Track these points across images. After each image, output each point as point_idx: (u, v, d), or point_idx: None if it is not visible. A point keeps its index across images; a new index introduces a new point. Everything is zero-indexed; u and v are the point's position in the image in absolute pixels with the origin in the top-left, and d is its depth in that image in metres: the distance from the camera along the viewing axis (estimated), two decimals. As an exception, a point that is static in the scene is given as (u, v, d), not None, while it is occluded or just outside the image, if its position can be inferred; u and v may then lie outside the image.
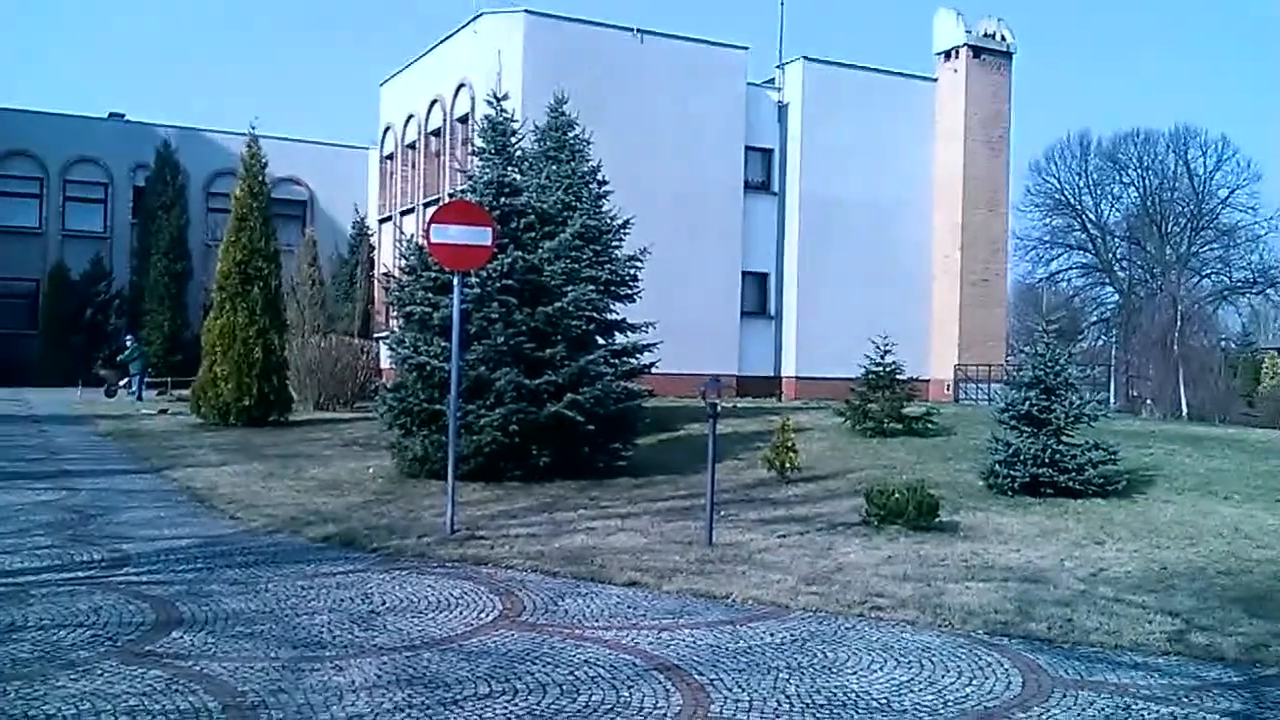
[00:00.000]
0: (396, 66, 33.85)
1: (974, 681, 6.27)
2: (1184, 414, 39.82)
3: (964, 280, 30.34)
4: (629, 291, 17.65)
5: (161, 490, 13.54)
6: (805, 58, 29.74)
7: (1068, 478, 13.21)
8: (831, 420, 19.51)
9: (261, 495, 12.90)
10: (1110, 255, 63.83)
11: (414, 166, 32.47)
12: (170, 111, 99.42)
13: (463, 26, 28.83)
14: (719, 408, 10.73)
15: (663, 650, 6.70)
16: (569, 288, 14.67)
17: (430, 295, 14.36)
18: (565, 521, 11.32)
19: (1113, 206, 64.20)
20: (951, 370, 29.99)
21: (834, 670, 6.41)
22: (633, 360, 16.33)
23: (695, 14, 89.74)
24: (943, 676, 6.35)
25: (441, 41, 30.48)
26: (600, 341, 15.96)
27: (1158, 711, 5.86)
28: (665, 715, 5.55)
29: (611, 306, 16.78)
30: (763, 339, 29.50)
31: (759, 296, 29.80)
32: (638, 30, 27.50)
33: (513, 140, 15.67)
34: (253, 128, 21.76)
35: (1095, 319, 62.79)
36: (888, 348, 18.92)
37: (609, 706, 5.63)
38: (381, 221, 34.71)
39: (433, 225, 10.93)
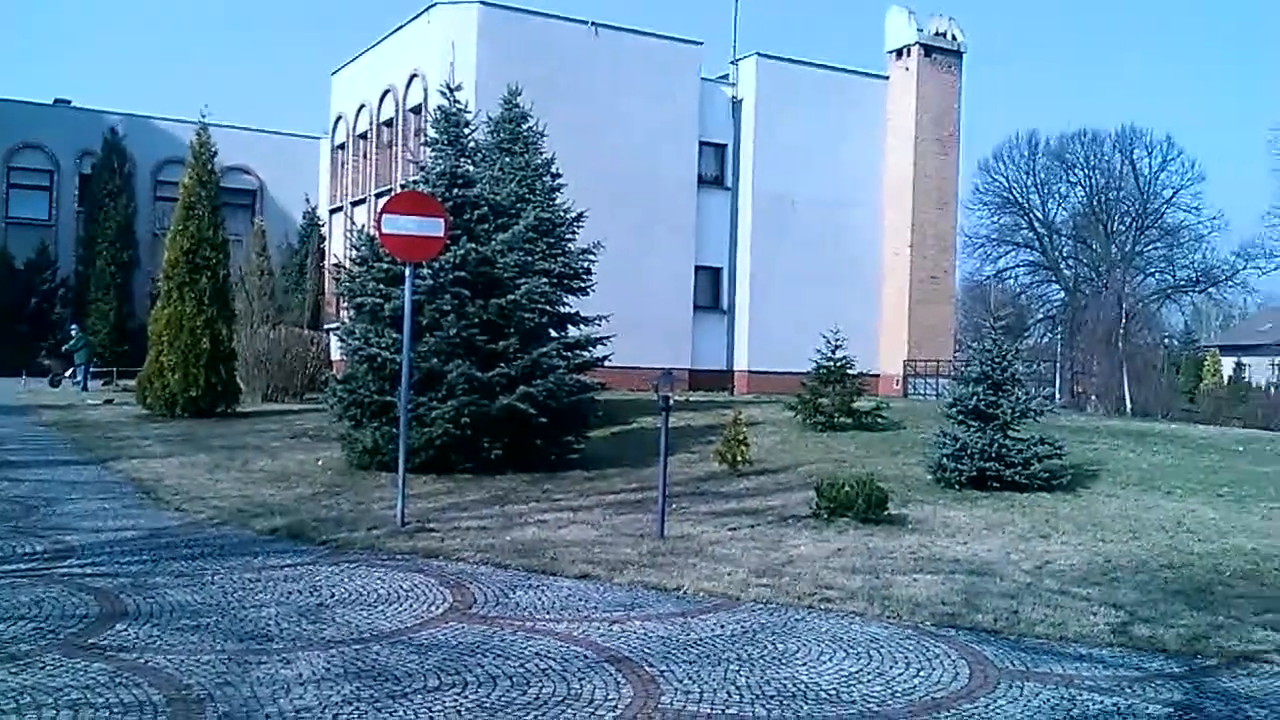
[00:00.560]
0: (349, 56, 33.51)
1: (922, 672, 6.34)
2: (1128, 410, 40.46)
3: (914, 276, 30.63)
4: (582, 285, 17.68)
5: (106, 482, 13.33)
6: (759, 54, 29.84)
7: (1014, 472, 13.41)
8: (783, 414, 19.63)
9: (208, 487, 12.73)
10: (1057, 253, 64.77)
11: (366, 157, 32.17)
12: (119, 99, 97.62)
13: (416, 16, 28.59)
14: (671, 401, 10.75)
15: (614, 642, 6.71)
16: (522, 280, 14.63)
17: (381, 286, 14.25)
18: (517, 514, 11.29)
19: (1060, 205, 65.28)
20: (901, 365, 30.28)
21: (784, 661, 6.45)
22: (586, 353, 16.33)
23: (650, 9, 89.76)
24: (891, 667, 6.41)
25: (394, 31, 30.21)
26: (553, 334, 15.94)
27: (1102, 702, 5.96)
28: (616, 707, 5.56)
29: (565, 299, 16.78)
30: (715, 333, 29.60)
31: (712, 291, 29.88)
32: (593, 24, 27.45)
33: (466, 131, 15.58)
34: (202, 116, 21.48)
35: (1042, 316, 63.66)
36: (839, 343, 19.09)
37: (559, 698, 5.63)
38: (332, 212, 34.37)
39: (384, 215, 10.85)
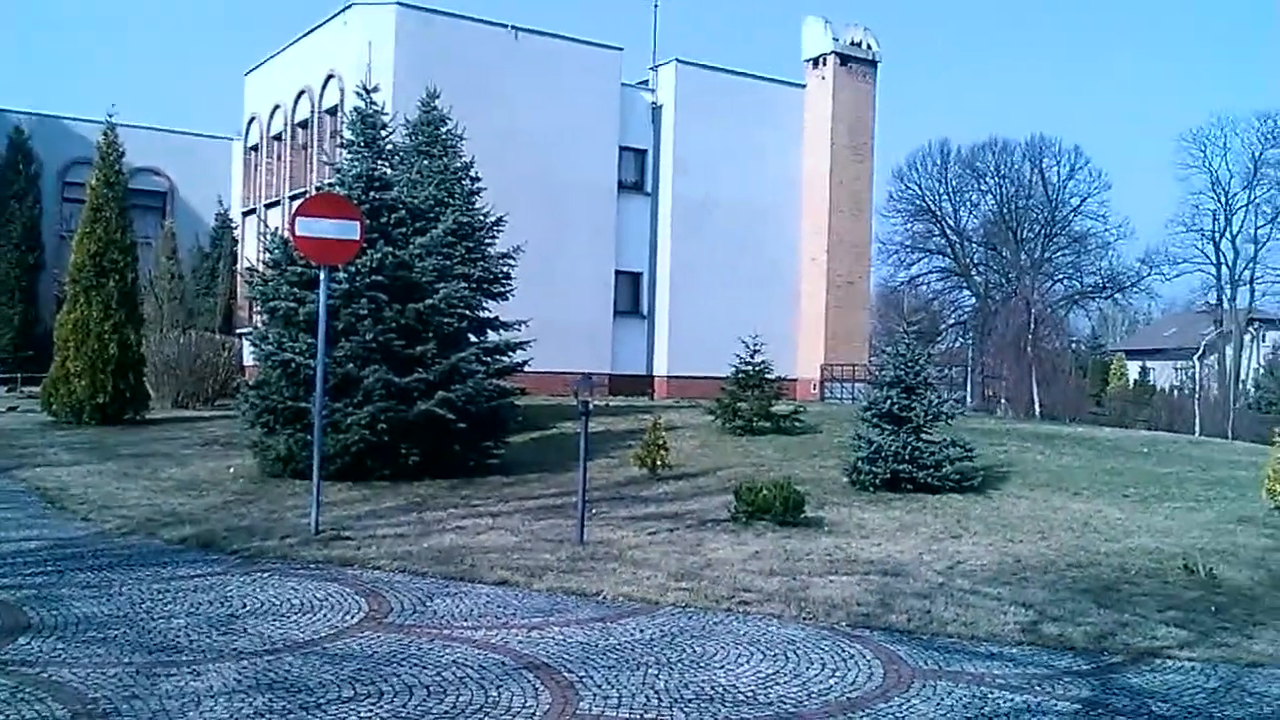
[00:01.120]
0: (263, 55, 32.94)
1: (837, 673, 6.43)
2: (1036, 413, 41.46)
3: (830, 282, 31.02)
4: (502, 289, 17.61)
5: (9, 491, 12.91)
6: (678, 60, 29.99)
7: (927, 474, 13.66)
8: (702, 418, 19.75)
9: (116, 496, 12.40)
10: (968, 260, 66.06)
11: (280, 158, 31.62)
12: (24, 97, 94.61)
13: (332, 17, 28.19)
14: (591, 406, 10.76)
15: (532, 649, 6.69)
16: (441, 284, 14.52)
17: (296, 290, 14.03)
18: (435, 521, 11.19)
19: (971, 213, 66.56)
20: (818, 370, 30.64)
21: (702, 664, 6.49)
22: (505, 358, 16.26)
23: (570, 13, 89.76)
24: (807, 668, 6.49)
25: (310, 31, 29.75)
26: (472, 339, 15.86)
27: (1012, 700, 6.10)
28: (534, 714, 5.54)
29: (484, 304, 16.71)
30: (635, 338, 29.66)
31: (632, 296, 29.94)
32: (512, 27, 27.33)
33: (383, 134, 15.42)
34: (110, 116, 20.91)
35: (953, 321, 64.91)
36: (757, 347, 19.26)
37: (477, 707, 5.60)
38: (245, 214, 33.74)
39: (299, 218, 10.68)
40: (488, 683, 5.97)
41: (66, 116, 37.83)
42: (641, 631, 7.21)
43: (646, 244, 29.94)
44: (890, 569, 9.40)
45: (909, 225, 65.19)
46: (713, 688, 6.06)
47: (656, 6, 32.53)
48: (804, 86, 31.79)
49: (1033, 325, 48.73)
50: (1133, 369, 57.02)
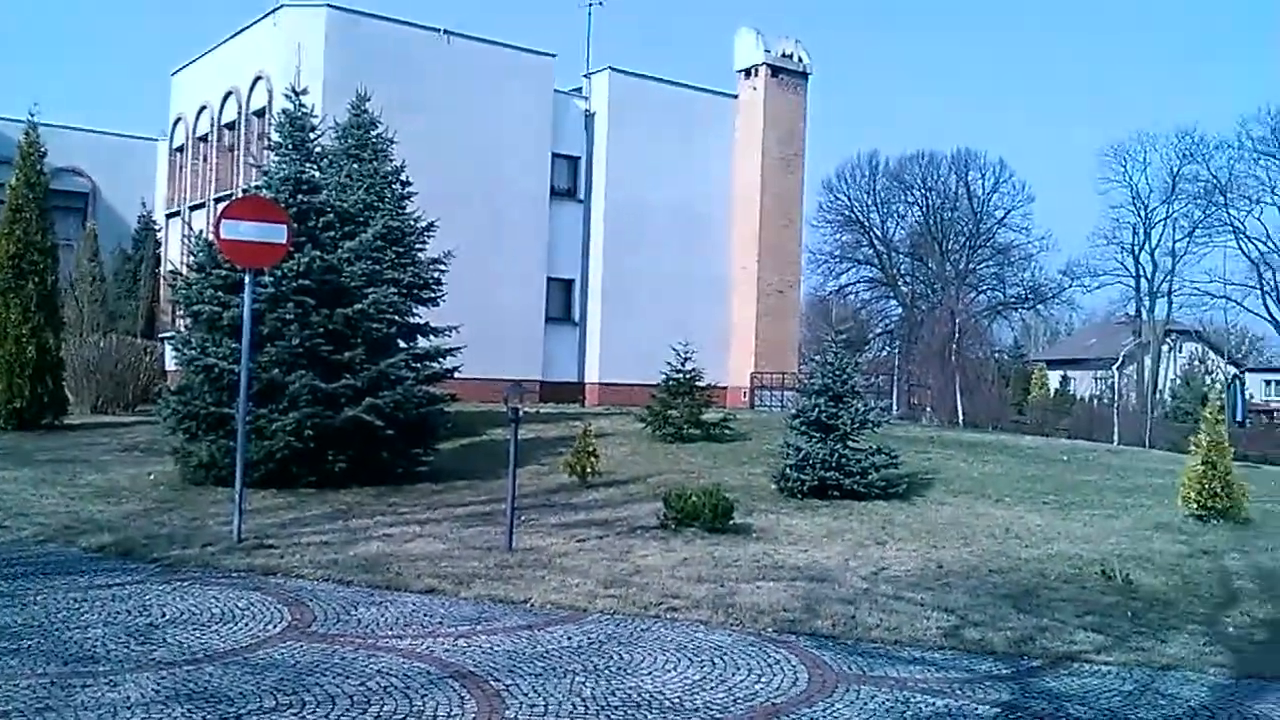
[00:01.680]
0: (190, 55, 32.34)
1: (763, 678, 6.48)
2: (960, 421, 42.15)
3: (761, 291, 31.28)
4: (432, 295, 17.46)
5: (-85, 499, 12.50)
6: (612, 68, 30.06)
7: (853, 481, 13.83)
8: (633, 426, 19.79)
9: (32, 503, 12.07)
10: (895, 270, 67.05)
11: (206, 160, 31.06)
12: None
13: (262, 17, 27.78)
14: (521, 413, 10.73)
15: (459, 657, 6.65)
16: (370, 289, 14.38)
17: (220, 294, 13.80)
18: (361, 528, 11.07)
19: (898, 224, 67.61)
20: (748, 377, 30.86)
21: (630, 671, 6.51)
22: (435, 364, 16.14)
23: (504, 19, 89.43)
24: (734, 674, 6.54)
25: (239, 32, 29.28)
26: (402, 345, 15.72)
27: (934, 704, 6.20)
28: (460, 722, 5.51)
29: (414, 309, 16.56)
30: (567, 345, 29.63)
31: (564, 303, 29.91)
32: (445, 31, 27.18)
33: (312, 136, 15.25)
34: (31, 115, 20.40)
35: (880, 330, 65.75)
36: (688, 355, 19.37)
37: (401, 716, 5.55)
38: (170, 216, 33.09)
39: (224, 221, 10.52)
40: (413, 692, 5.92)
41: (-17, 115, 36.81)
42: (569, 639, 7.20)
43: (579, 251, 29.94)
44: (816, 575, 9.50)
45: (838, 235, 66.10)
46: (640, 695, 6.07)
47: (590, 14, 32.61)
48: (736, 97, 32.05)
49: (957, 335, 49.60)
50: (1054, 378, 58.20)
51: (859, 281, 67.44)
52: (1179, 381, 54.43)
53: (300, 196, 14.39)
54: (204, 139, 31.19)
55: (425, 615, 7.72)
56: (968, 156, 64.84)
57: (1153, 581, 9.86)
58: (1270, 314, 59.41)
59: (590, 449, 14.54)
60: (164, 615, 7.42)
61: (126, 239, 34.95)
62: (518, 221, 27.76)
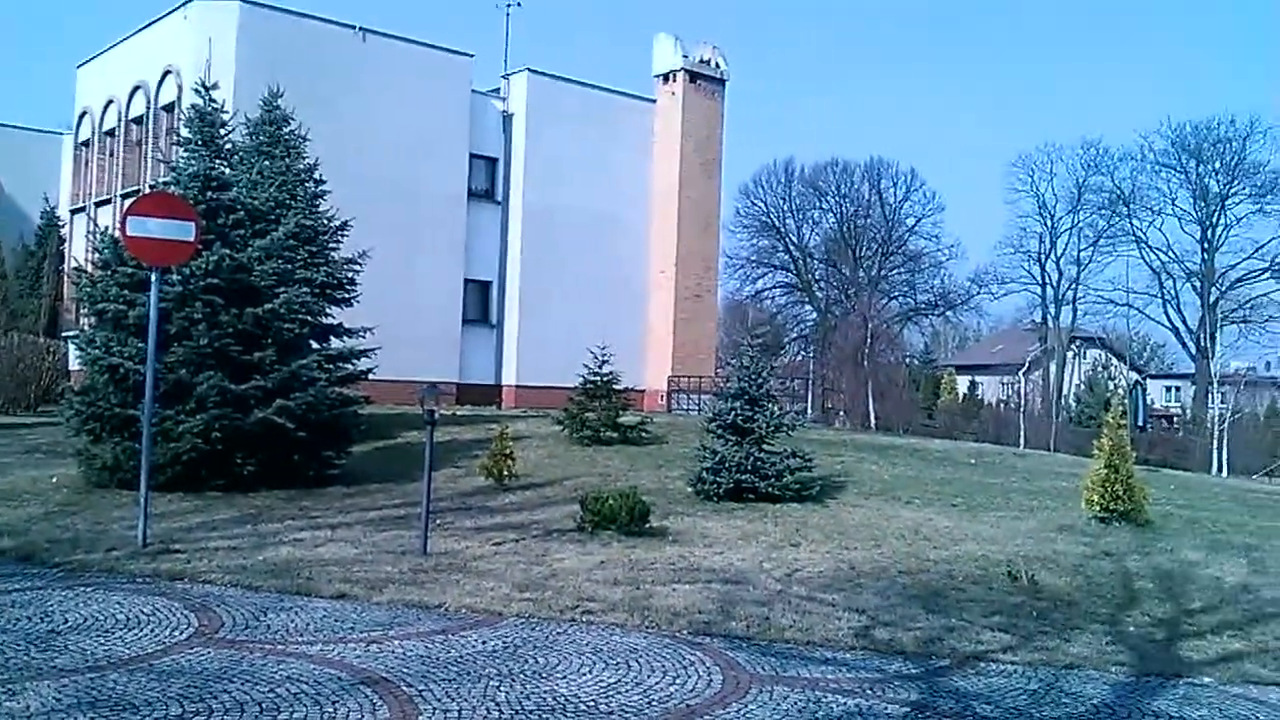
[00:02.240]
0: (97, 48, 31.49)
1: (678, 680, 6.51)
2: (873, 424, 42.88)
3: (678, 295, 31.46)
4: (346, 295, 17.22)
5: None
6: (530, 69, 29.98)
7: (768, 484, 13.96)
8: (550, 428, 19.73)
9: (-79, 508, 11.63)
10: (810, 276, 67.90)
11: (113, 155, 30.29)
12: None
13: (172, 10, 27.18)
14: (437, 415, 10.63)
15: (371, 663, 6.56)
16: (281, 289, 14.12)
17: (125, 292, 13.44)
18: (271, 533, 10.86)
19: (813, 230, 68.43)
20: (665, 381, 30.99)
21: (545, 675, 6.48)
22: (349, 365, 15.92)
23: (421, 18, 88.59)
24: (649, 676, 6.55)
25: (148, 25, 28.61)
26: (315, 346, 15.47)
27: (845, 704, 6.28)
28: (372, 728, 5.43)
29: (328, 310, 16.31)
30: (484, 347, 29.46)
31: (481, 305, 29.74)
32: (360, 28, 26.86)
33: (222, 132, 14.93)
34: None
35: (796, 335, 66.62)
36: (605, 358, 19.37)
37: (313, 722, 5.46)
38: (74, 212, 32.23)
39: (130, 217, 10.24)
40: (323, 698, 5.82)
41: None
42: (484, 643, 7.15)
43: (496, 253, 29.81)
44: (731, 577, 9.56)
45: (754, 241, 66.74)
46: (555, 698, 6.05)
47: (509, 15, 32.50)
48: (654, 102, 32.19)
49: (870, 340, 50.38)
50: (962, 383, 59.43)
51: (775, 286, 68.24)
52: (1083, 387, 55.91)
53: (210, 193, 14.08)
54: (111, 133, 30.41)
55: (336, 621, 7.59)
56: (880, 165, 66.03)
57: (1057, 582, 10.11)
58: (1171, 322, 61.53)
59: (507, 451, 14.46)
60: (66, 622, 7.20)
61: (29, 235, 33.94)
62: (435, 222, 27.54)
